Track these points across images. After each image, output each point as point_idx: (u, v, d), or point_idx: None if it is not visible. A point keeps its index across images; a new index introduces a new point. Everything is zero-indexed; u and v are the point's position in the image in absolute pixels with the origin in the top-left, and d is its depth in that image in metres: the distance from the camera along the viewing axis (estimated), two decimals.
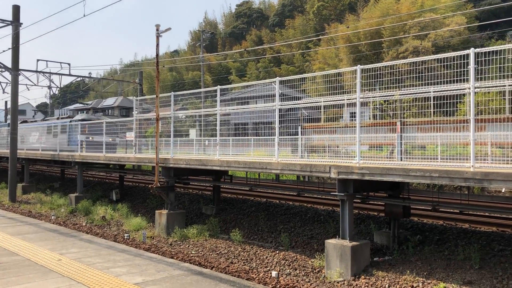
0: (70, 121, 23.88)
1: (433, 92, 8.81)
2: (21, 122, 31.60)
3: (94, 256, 9.70)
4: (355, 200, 10.47)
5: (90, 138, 20.05)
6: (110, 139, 19.12)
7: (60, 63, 31.49)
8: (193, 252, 12.19)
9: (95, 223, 16.55)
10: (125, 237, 14.04)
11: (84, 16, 20.10)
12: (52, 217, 18.11)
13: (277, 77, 11.42)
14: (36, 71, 30.51)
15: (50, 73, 31.73)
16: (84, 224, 16.70)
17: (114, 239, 13.78)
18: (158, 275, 8.14)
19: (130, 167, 24.57)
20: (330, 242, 9.66)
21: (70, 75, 32.15)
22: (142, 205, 18.46)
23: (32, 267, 8.56)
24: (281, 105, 11.49)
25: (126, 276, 8.06)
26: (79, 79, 37.71)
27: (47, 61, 30.96)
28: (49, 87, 44.62)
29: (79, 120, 23.31)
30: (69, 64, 31.41)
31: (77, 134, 20.77)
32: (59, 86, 33.94)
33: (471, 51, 7.88)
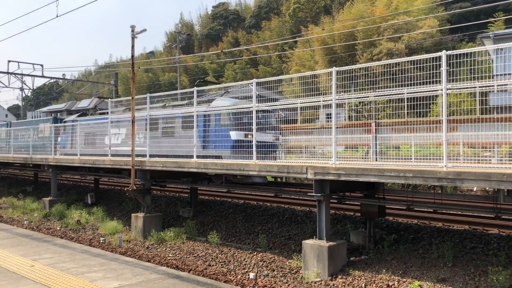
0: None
1: (407, 93, 8.97)
2: None
3: (68, 261, 9.52)
4: (331, 201, 10.57)
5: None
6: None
7: (33, 64, 30.86)
8: (170, 255, 12.09)
9: (69, 228, 16.24)
10: (101, 241, 13.83)
11: (57, 16, 19.73)
12: (25, 222, 17.70)
13: (254, 79, 11.44)
14: (7, 73, 29.81)
15: (22, 74, 31.05)
16: (58, 228, 16.37)
17: (90, 243, 13.56)
18: (135, 279, 8.05)
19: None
20: (307, 243, 9.72)
21: (43, 76, 31.52)
22: (118, 208, 18.21)
23: (3, 274, 8.35)
24: (258, 107, 11.51)
25: (101, 281, 7.95)
26: (52, 80, 37.01)
27: (18, 62, 30.34)
28: (21, 89, 43.64)
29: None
30: (42, 65, 30.83)
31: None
32: (31, 88, 33.26)
33: (443, 54, 8.05)
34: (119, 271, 8.62)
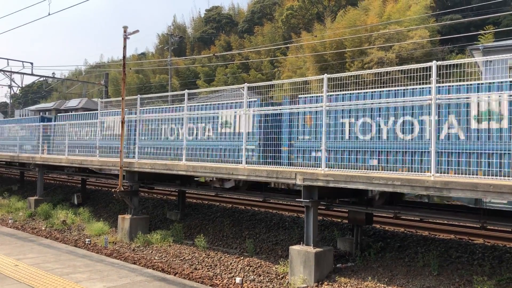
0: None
1: (399, 102, 9.06)
2: None
3: (53, 261, 9.42)
4: (319, 207, 10.60)
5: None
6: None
7: (22, 62, 30.59)
8: (156, 258, 12.02)
9: (55, 228, 16.07)
10: (87, 242, 13.70)
11: (49, 14, 19.62)
12: (10, 221, 17.47)
13: (245, 83, 11.46)
14: None
15: (11, 71, 30.80)
16: (43, 228, 16.19)
17: (75, 244, 13.43)
18: (120, 281, 7.98)
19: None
20: (295, 249, 9.72)
21: (32, 74, 31.23)
22: (104, 209, 18.07)
23: None
24: (248, 111, 11.53)
25: (86, 282, 7.87)
26: (42, 79, 36.71)
27: (8, 59, 30.02)
28: (10, 87, 43.16)
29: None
30: (31, 63, 30.54)
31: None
32: (20, 86, 32.94)
33: (434, 64, 8.14)
34: (105, 273, 8.54)
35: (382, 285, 8.88)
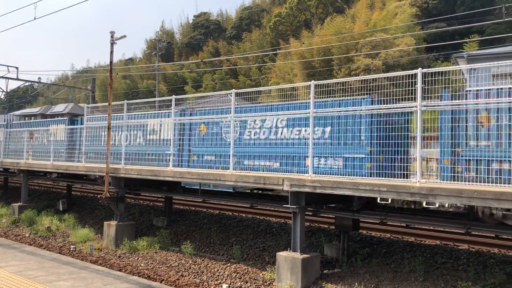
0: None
1: (384, 109, 9.13)
2: None
3: (36, 269, 9.27)
4: (306, 213, 10.61)
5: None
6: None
7: (7, 66, 30.17)
8: (142, 264, 11.90)
9: (39, 234, 15.83)
10: (71, 249, 13.52)
11: (35, 18, 19.45)
12: None
13: (233, 89, 11.47)
14: None
15: None
16: (27, 235, 15.94)
17: (60, 251, 13.24)
18: None
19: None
20: (282, 255, 9.71)
21: (17, 79, 30.86)
22: (90, 215, 17.86)
23: None
24: (236, 117, 11.53)
25: None
26: (27, 84, 36.29)
27: None
28: None
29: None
30: (17, 67, 30.16)
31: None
32: (5, 91, 32.50)
33: (419, 71, 8.23)
34: (89, 280, 8.43)
35: None
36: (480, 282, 8.58)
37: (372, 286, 9.12)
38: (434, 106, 8.34)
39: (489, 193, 7.11)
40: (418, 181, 7.90)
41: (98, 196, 14.16)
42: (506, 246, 11.12)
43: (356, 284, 9.19)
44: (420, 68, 8.34)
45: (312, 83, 9.81)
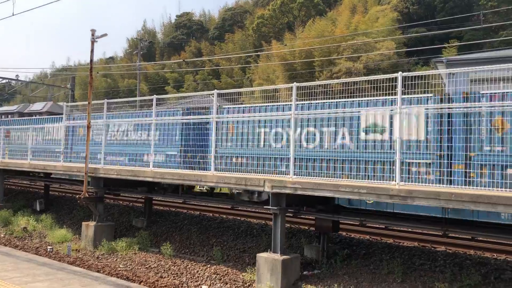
0: None
1: (364, 112, 9.23)
2: None
3: (11, 270, 9.08)
4: (287, 214, 10.64)
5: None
6: None
7: None
8: (121, 266, 11.76)
9: (15, 235, 15.50)
10: (49, 249, 13.28)
11: (13, 15, 19.05)
12: None
13: (215, 90, 11.45)
14: None
15: None
16: (2, 235, 15.59)
17: (36, 251, 12.99)
18: None
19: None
20: (262, 256, 9.71)
21: None
22: (68, 216, 17.59)
23: None
24: (218, 118, 11.50)
25: None
26: (4, 81, 35.57)
27: None
28: None
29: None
30: None
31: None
32: None
33: (399, 75, 8.35)
34: (66, 281, 8.29)
35: None
36: (456, 283, 8.73)
37: (351, 287, 9.19)
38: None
39: (466, 195, 7.24)
40: (398, 183, 8.00)
41: (77, 196, 13.96)
42: (482, 248, 11.35)
43: (336, 285, 9.25)
44: (400, 72, 8.45)
45: (294, 85, 9.85)
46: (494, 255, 10.86)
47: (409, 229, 12.51)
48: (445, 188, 7.77)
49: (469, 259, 10.06)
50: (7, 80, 36.32)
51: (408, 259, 10.19)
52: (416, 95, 8.71)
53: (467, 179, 7.88)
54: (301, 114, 10.13)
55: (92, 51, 14.18)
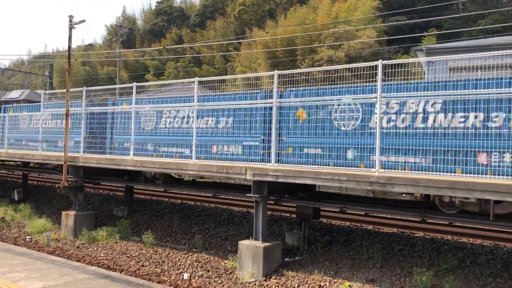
0: None
1: (345, 100, 9.26)
2: None
3: None
4: (269, 202, 10.69)
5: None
6: None
7: None
8: (102, 255, 11.68)
9: None
10: (27, 239, 13.11)
11: None
12: None
13: (196, 77, 11.34)
14: None
15: None
16: None
17: (14, 242, 12.82)
18: (61, 280, 7.70)
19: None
20: (244, 243, 9.75)
21: None
22: (47, 205, 17.35)
23: None
24: (200, 106, 11.41)
25: (24, 281, 7.53)
26: None
27: None
28: None
29: None
30: None
31: None
32: None
33: (380, 63, 8.40)
34: (45, 271, 8.20)
35: (328, 278, 9.09)
36: (434, 267, 8.91)
37: (332, 273, 9.32)
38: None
39: (444, 182, 7.37)
40: (377, 170, 8.10)
41: (56, 185, 13.76)
42: (459, 233, 11.60)
43: (316, 271, 9.36)
44: (380, 60, 8.50)
45: (276, 72, 9.82)
46: (470, 240, 11.11)
47: (389, 216, 12.70)
48: (424, 175, 7.89)
49: (446, 244, 10.28)
50: None
51: (387, 244, 10.36)
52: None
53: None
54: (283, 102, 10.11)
55: (70, 37, 13.90)
